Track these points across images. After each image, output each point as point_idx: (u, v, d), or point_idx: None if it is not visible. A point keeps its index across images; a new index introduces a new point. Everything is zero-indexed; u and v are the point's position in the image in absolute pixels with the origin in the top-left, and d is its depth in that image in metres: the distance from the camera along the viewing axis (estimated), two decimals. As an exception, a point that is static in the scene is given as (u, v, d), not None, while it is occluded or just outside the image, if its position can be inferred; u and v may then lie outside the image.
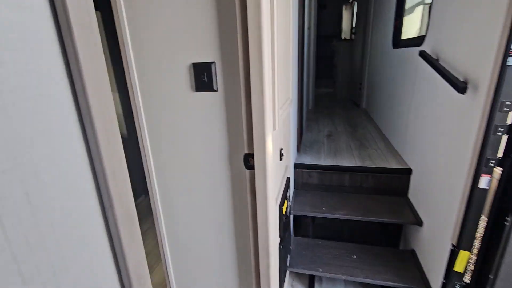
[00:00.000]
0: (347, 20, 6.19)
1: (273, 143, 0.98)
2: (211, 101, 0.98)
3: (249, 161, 0.98)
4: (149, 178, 1.16)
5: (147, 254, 2.04)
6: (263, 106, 0.88)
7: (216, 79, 0.95)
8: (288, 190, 1.46)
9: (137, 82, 1.04)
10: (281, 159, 1.26)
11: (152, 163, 1.14)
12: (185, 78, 0.98)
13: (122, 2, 0.95)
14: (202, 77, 0.95)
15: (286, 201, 1.34)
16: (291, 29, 1.37)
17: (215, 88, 0.95)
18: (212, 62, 0.93)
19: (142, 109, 1.07)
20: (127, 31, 0.98)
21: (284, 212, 1.28)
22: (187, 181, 1.13)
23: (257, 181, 0.98)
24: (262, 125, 0.90)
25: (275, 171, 1.11)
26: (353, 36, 5.12)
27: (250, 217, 1.08)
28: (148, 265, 1.93)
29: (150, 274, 1.88)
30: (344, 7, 6.18)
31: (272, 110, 0.94)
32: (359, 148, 2.25)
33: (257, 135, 0.92)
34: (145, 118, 1.08)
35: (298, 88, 2.00)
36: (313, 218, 1.94)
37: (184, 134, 1.05)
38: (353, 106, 4.05)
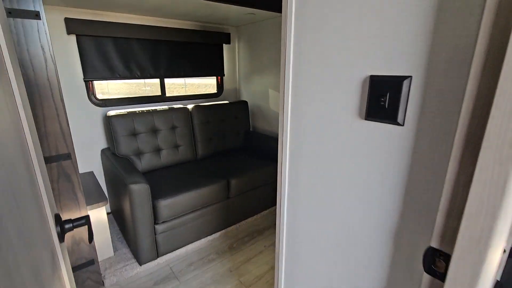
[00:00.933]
0: None
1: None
2: (387, 139, 0.59)
3: (435, 262, 0.53)
4: (280, 204, 0.94)
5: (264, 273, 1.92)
6: (508, 174, 0.41)
7: (406, 105, 0.55)
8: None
9: (290, 89, 0.81)
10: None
11: (286, 192, 0.91)
12: (352, 97, 0.65)
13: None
14: (382, 100, 0.58)
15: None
16: None
17: (399, 120, 0.56)
18: (406, 77, 0.54)
19: (288, 120, 0.84)
20: (292, 28, 0.76)
21: None
22: (319, 239, 0.81)
23: (444, 306, 0.51)
24: (491, 212, 0.43)
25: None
26: None
27: None
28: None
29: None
30: None
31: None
32: None
33: (471, 225, 0.46)
34: (289, 131, 0.85)
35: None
36: None
37: (329, 172, 0.73)
38: None
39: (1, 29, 0.45)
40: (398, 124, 0.57)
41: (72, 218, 0.63)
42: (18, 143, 0.43)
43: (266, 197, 2.57)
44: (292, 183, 0.88)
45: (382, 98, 0.58)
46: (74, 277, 1.59)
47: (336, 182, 0.73)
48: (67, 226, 0.62)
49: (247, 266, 1.98)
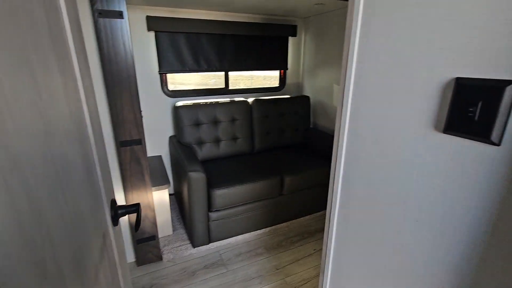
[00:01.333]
0: None
1: None
2: (473, 161, 0.46)
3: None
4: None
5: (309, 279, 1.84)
6: None
7: (507, 120, 0.42)
8: None
9: (351, 88, 0.72)
10: None
11: (337, 202, 0.82)
12: (427, 103, 0.52)
13: (364, -24, 0.63)
14: (470, 110, 0.45)
15: None
16: None
17: (493, 138, 0.43)
18: (510, 82, 0.40)
19: (347, 123, 0.74)
20: (359, 16, 0.66)
21: None
22: (371, 264, 0.71)
23: None
24: None
25: None
26: None
27: None
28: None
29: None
30: None
31: None
32: None
33: None
34: (346, 134, 0.75)
35: None
36: None
37: (390, 188, 0.62)
38: None
39: (70, 31, 0.49)
40: (492, 143, 0.43)
41: (125, 205, 0.68)
42: (77, 137, 0.47)
43: (321, 198, 2.45)
44: (345, 194, 0.79)
45: (471, 108, 0.45)
46: (137, 249, 1.80)
47: (397, 202, 0.62)
48: (120, 211, 0.67)
49: (294, 267, 1.93)
